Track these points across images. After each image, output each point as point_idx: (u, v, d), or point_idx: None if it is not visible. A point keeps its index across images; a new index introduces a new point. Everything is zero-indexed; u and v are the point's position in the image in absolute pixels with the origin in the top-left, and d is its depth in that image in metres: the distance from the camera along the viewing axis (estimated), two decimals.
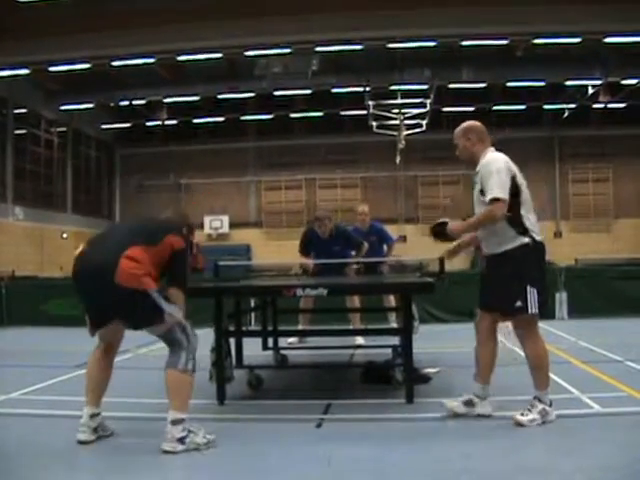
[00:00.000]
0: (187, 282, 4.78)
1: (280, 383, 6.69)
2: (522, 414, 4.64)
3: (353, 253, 9.45)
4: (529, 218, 4.82)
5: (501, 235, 4.80)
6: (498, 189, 4.70)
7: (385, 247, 10.47)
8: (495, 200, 4.68)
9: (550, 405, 4.75)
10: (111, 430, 4.67)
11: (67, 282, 15.64)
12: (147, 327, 4.59)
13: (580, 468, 3.76)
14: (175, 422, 4.34)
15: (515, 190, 4.82)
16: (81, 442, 4.42)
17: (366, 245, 9.42)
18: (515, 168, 4.95)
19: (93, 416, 4.52)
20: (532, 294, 4.69)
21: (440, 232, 5.10)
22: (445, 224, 5.08)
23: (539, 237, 4.81)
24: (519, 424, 4.58)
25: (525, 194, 4.89)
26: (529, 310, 4.68)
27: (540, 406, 4.71)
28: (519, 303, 4.68)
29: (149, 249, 4.47)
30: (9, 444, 4.62)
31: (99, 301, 4.49)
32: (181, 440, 4.30)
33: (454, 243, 5.30)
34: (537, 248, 4.81)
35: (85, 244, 4.64)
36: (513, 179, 4.83)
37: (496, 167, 4.81)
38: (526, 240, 4.75)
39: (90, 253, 4.54)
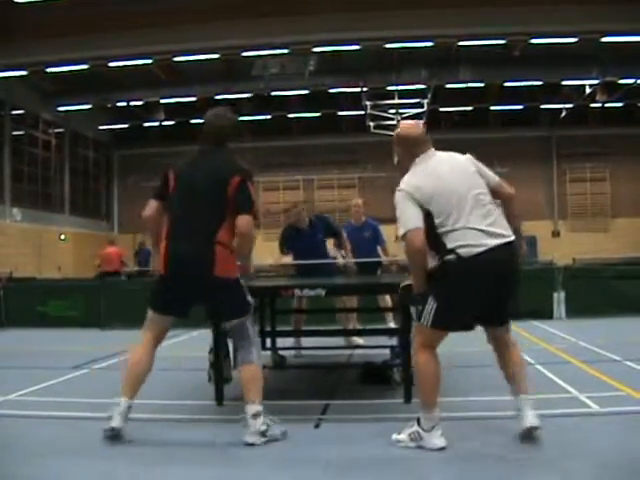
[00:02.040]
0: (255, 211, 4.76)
1: (278, 384, 6.69)
2: (398, 432, 4.36)
3: (343, 253, 9.25)
4: (452, 236, 4.24)
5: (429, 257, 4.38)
6: (402, 223, 4.30)
7: (379, 248, 10.25)
8: (402, 237, 4.28)
9: (432, 429, 4.23)
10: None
11: (65, 283, 15.64)
12: (236, 319, 4.69)
13: (578, 468, 3.76)
14: (256, 415, 4.48)
15: (430, 216, 4.30)
16: (113, 429, 4.43)
17: (345, 234, 9.19)
18: (423, 183, 4.35)
19: (130, 408, 4.54)
20: (430, 307, 4.25)
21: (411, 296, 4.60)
22: (408, 287, 4.67)
23: (467, 250, 4.19)
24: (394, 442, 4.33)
25: (441, 213, 4.28)
26: (421, 319, 4.31)
27: (413, 428, 4.31)
28: (419, 308, 4.35)
29: (229, 211, 4.57)
30: (6, 445, 4.62)
31: (192, 293, 4.63)
32: (263, 433, 4.45)
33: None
34: (459, 265, 4.20)
35: (166, 238, 4.65)
36: (421, 205, 4.31)
37: (397, 200, 4.39)
38: (447, 257, 4.22)
39: (179, 248, 4.58)
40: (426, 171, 4.41)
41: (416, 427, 4.29)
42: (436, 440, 4.21)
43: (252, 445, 4.38)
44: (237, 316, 4.67)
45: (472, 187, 4.37)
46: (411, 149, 4.53)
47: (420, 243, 4.22)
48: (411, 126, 4.74)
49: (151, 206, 4.82)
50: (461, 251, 4.19)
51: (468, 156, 4.59)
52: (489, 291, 4.27)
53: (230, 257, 4.59)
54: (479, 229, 4.25)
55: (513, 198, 4.79)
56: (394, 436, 4.35)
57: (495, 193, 4.59)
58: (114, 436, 4.43)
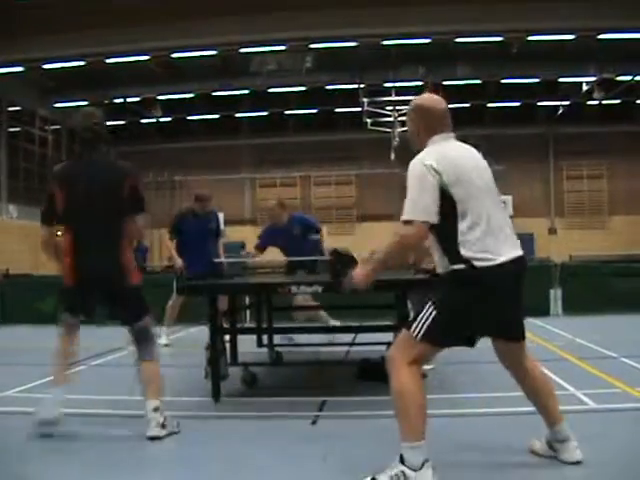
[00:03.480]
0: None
1: (275, 380, 6.69)
2: (372, 476, 3.54)
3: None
4: (471, 240, 3.61)
5: (436, 257, 3.80)
6: (410, 207, 3.58)
7: (315, 236, 9.34)
8: (406, 223, 3.58)
9: (422, 466, 3.45)
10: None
11: (62, 280, 15.64)
12: (142, 320, 4.82)
13: (575, 464, 3.76)
14: (156, 409, 4.56)
15: (450, 204, 3.60)
16: (49, 421, 4.59)
17: (263, 242, 9.33)
18: (455, 166, 3.66)
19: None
20: (427, 315, 3.61)
21: (338, 272, 3.89)
22: (347, 264, 3.86)
23: (484, 263, 3.58)
24: None
25: (468, 205, 3.63)
26: (412, 327, 3.62)
27: (396, 470, 3.47)
28: (412, 315, 3.79)
29: (127, 214, 4.68)
30: (3, 442, 4.61)
31: (102, 300, 4.85)
32: (163, 425, 4.54)
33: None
34: (472, 277, 3.59)
35: (71, 253, 4.67)
36: (443, 189, 3.59)
37: (413, 174, 3.65)
38: (458, 267, 3.61)
39: (87, 263, 4.66)
40: (448, 150, 3.76)
41: (400, 467, 3.46)
42: None
43: (156, 438, 4.47)
44: (143, 318, 4.81)
45: (493, 187, 3.86)
46: (432, 123, 3.85)
47: (417, 243, 3.69)
48: (436, 99, 3.98)
49: (44, 234, 4.79)
50: (478, 263, 3.58)
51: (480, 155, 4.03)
52: (504, 308, 3.72)
53: (133, 262, 4.78)
54: (501, 234, 3.71)
55: None
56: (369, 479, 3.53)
57: None
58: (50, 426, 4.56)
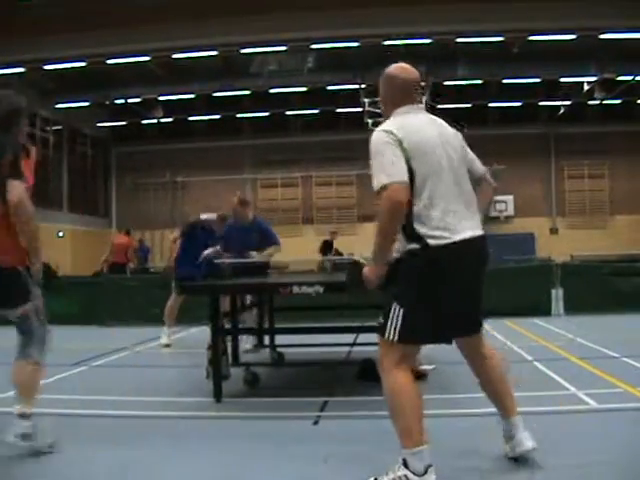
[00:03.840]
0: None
1: (277, 381, 6.70)
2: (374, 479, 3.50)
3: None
4: (428, 216, 3.45)
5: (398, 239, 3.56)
6: (383, 173, 3.41)
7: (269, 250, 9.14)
8: (382, 189, 3.39)
9: (426, 471, 3.36)
10: None
11: (64, 280, 15.64)
12: (15, 308, 4.35)
13: (576, 464, 3.77)
14: (22, 416, 4.18)
15: (409, 178, 3.45)
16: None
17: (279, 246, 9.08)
18: (416, 138, 3.52)
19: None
20: (396, 315, 3.47)
21: (355, 281, 3.75)
22: (358, 268, 3.74)
23: (439, 240, 3.43)
24: None
25: (427, 180, 3.48)
26: (385, 333, 3.50)
27: (400, 472, 3.38)
28: (381, 320, 3.60)
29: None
30: (4, 443, 4.61)
31: None
32: (25, 436, 4.16)
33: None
34: (428, 257, 3.43)
35: None
36: (407, 159, 3.45)
37: (376, 142, 3.51)
38: (413, 246, 3.46)
39: None
40: (411, 122, 3.61)
41: (404, 471, 3.37)
42: None
43: (10, 443, 4.14)
44: (15, 305, 4.33)
45: (459, 163, 3.66)
46: (398, 93, 3.71)
47: (401, 204, 3.38)
48: (405, 68, 3.78)
49: None
50: (432, 241, 3.43)
51: (458, 133, 3.85)
52: (463, 291, 3.55)
53: (9, 243, 4.21)
54: (459, 212, 3.53)
55: (492, 195, 4.04)
56: None
57: (476, 183, 3.84)
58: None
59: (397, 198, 3.36)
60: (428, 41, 20.46)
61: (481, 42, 21.14)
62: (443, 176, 3.53)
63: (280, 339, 7.85)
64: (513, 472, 3.76)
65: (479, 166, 3.91)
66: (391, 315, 3.48)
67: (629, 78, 24.55)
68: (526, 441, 3.76)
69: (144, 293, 12.68)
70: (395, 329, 3.47)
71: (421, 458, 3.36)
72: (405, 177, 3.40)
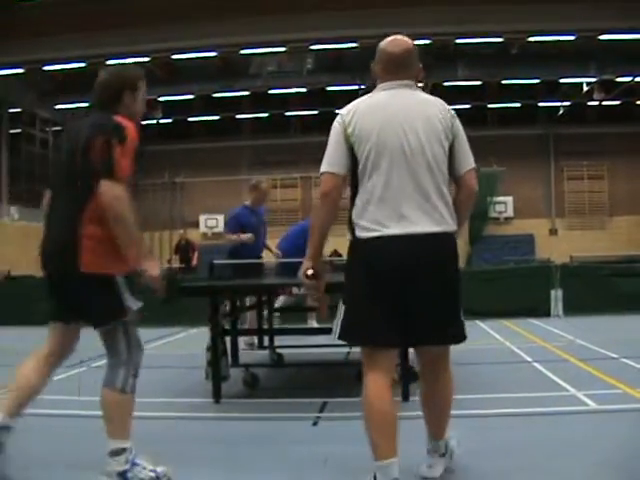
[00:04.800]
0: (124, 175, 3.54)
1: (276, 381, 6.70)
2: None
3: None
4: (365, 207, 3.26)
5: None
6: (323, 161, 3.33)
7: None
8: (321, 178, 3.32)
9: None
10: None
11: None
12: (100, 324, 3.69)
13: (576, 465, 3.77)
14: (114, 453, 3.55)
15: (354, 162, 3.29)
16: None
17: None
18: (362, 114, 3.32)
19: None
20: (340, 314, 3.35)
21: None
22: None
23: (369, 233, 3.21)
24: None
25: (368, 165, 3.24)
26: (332, 332, 3.38)
27: None
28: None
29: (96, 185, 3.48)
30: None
31: (61, 293, 3.72)
32: (122, 475, 3.55)
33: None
34: (357, 250, 3.30)
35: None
36: (350, 146, 3.27)
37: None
38: (350, 238, 3.36)
39: (45, 242, 3.72)
40: (371, 102, 3.42)
41: None
42: None
43: None
44: (101, 321, 3.67)
45: (428, 150, 3.25)
46: (380, 67, 3.55)
47: (329, 189, 3.27)
48: (393, 40, 3.53)
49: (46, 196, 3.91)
50: (361, 234, 3.25)
51: (451, 112, 3.40)
52: (404, 292, 3.19)
53: (99, 246, 3.53)
54: (407, 205, 3.21)
55: (473, 197, 3.47)
56: None
57: (456, 181, 3.42)
58: None
59: (323, 189, 3.28)
60: (427, 42, 20.46)
61: (480, 43, 21.14)
62: (395, 163, 3.21)
63: (279, 339, 7.85)
64: (512, 472, 3.76)
65: (464, 163, 3.40)
66: (338, 315, 3.35)
67: (628, 79, 24.57)
68: (433, 470, 3.56)
69: (143, 294, 12.66)
70: (338, 325, 3.33)
71: (386, 473, 3.14)
72: (336, 168, 3.25)
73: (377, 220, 3.21)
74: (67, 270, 3.56)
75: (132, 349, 3.66)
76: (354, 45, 20.85)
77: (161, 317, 9.60)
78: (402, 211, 3.19)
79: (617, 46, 21.14)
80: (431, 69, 23.72)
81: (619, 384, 5.89)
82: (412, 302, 3.20)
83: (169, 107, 28.35)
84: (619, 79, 24.64)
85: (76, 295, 3.63)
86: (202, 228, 30.65)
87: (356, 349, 7.67)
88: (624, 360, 7.18)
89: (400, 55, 3.42)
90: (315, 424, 4.93)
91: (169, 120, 29.73)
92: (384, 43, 3.51)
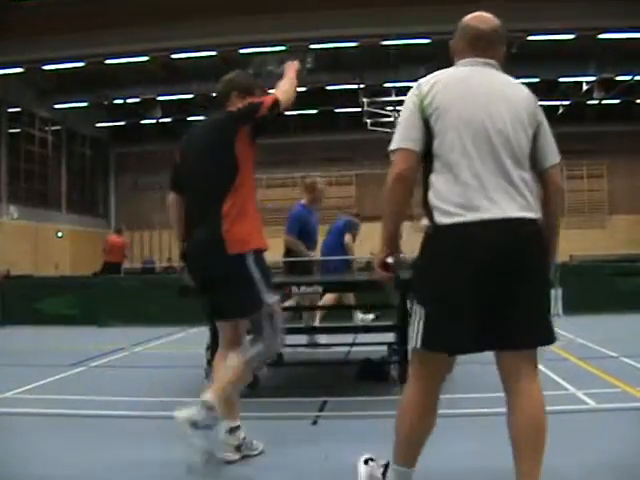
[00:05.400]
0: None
1: (276, 380, 6.69)
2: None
3: None
4: (439, 188, 2.88)
5: None
6: (395, 137, 3.01)
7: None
8: (391, 156, 3.00)
9: None
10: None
11: (62, 281, 15.65)
12: (249, 315, 3.92)
13: (575, 464, 3.77)
14: (231, 430, 4.05)
15: (429, 139, 2.94)
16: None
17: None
18: (444, 86, 3.00)
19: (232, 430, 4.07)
20: (418, 316, 2.90)
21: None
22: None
23: (450, 219, 2.80)
24: None
25: (446, 140, 2.89)
26: (409, 342, 3.05)
27: (383, 468, 3.19)
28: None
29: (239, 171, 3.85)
30: (4, 443, 4.61)
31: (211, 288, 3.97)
32: (238, 448, 4.06)
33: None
34: (439, 239, 2.86)
35: (185, 230, 4.02)
36: (426, 119, 2.94)
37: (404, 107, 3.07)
38: (427, 224, 2.92)
39: (193, 240, 3.95)
40: (457, 73, 3.12)
41: (388, 468, 3.15)
42: None
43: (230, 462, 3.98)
44: (248, 311, 3.88)
45: (512, 134, 2.95)
46: (460, 43, 3.25)
47: (404, 169, 2.93)
48: (478, 16, 3.25)
49: (169, 198, 4.22)
50: (442, 219, 2.83)
51: (536, 100, 3.19)
52: (491, 288, 2.80)
53: (243, 227, 3.77)
54: (489, 186, 2.83)
55: (562, 195, 3.15)
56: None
57: (540, 176, 3.07)
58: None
59: (398, 169, 2.92)
60: (427, 41, 20.46)
61: None
62: (479, 143, 2.88)
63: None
64: (511, 472, 3.75)
65: (550, 156, 3.14)
66: (414, 318, 2.91)
67: (628, 78, 24.58)
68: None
69: (143, 293, 12.68)
70: (417, 333, 2.89)
71: (397, 477, 3.06)
72: (411, 143, 2.91)
73: (463, 204, 2.81)
74: (216, 261, 3.76)
75: (274, 335, 3.87)
76: (354, 44, 20.85)
77: (161, 317, 9.60)
78: (491, 195, 2.82)
79: (617, 45, 21.14)
80: (431, 68, 23.74)
81: (619, 383, 5.89)
82: (512, 298, 2.83)
83: (168, 106, 28.38)
84: (619, 78, 24.65)
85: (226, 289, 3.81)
86: None
87: (356, 349, 7.69)
88: (623, 359, 7.18)
89: (488, 32, 3.15)
90: (315, 423, 4.92)
91: (169, 119, 29.73)
92: (469, 18, 3.22)
